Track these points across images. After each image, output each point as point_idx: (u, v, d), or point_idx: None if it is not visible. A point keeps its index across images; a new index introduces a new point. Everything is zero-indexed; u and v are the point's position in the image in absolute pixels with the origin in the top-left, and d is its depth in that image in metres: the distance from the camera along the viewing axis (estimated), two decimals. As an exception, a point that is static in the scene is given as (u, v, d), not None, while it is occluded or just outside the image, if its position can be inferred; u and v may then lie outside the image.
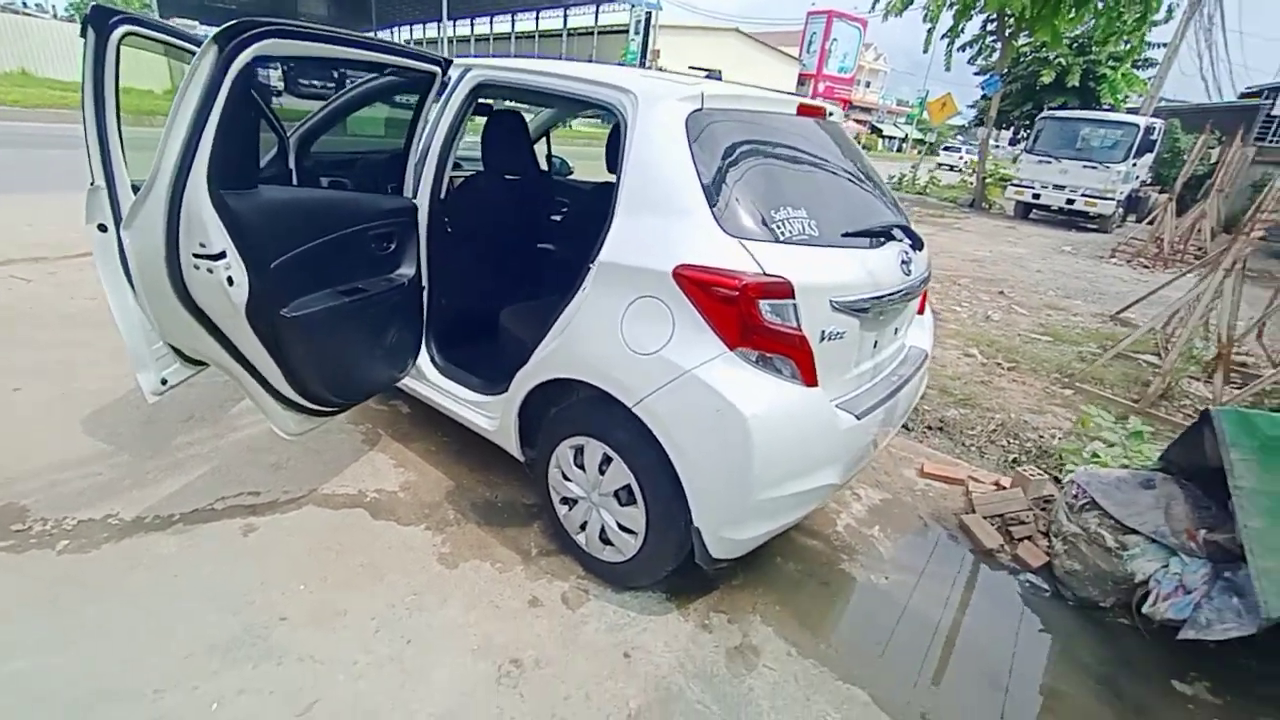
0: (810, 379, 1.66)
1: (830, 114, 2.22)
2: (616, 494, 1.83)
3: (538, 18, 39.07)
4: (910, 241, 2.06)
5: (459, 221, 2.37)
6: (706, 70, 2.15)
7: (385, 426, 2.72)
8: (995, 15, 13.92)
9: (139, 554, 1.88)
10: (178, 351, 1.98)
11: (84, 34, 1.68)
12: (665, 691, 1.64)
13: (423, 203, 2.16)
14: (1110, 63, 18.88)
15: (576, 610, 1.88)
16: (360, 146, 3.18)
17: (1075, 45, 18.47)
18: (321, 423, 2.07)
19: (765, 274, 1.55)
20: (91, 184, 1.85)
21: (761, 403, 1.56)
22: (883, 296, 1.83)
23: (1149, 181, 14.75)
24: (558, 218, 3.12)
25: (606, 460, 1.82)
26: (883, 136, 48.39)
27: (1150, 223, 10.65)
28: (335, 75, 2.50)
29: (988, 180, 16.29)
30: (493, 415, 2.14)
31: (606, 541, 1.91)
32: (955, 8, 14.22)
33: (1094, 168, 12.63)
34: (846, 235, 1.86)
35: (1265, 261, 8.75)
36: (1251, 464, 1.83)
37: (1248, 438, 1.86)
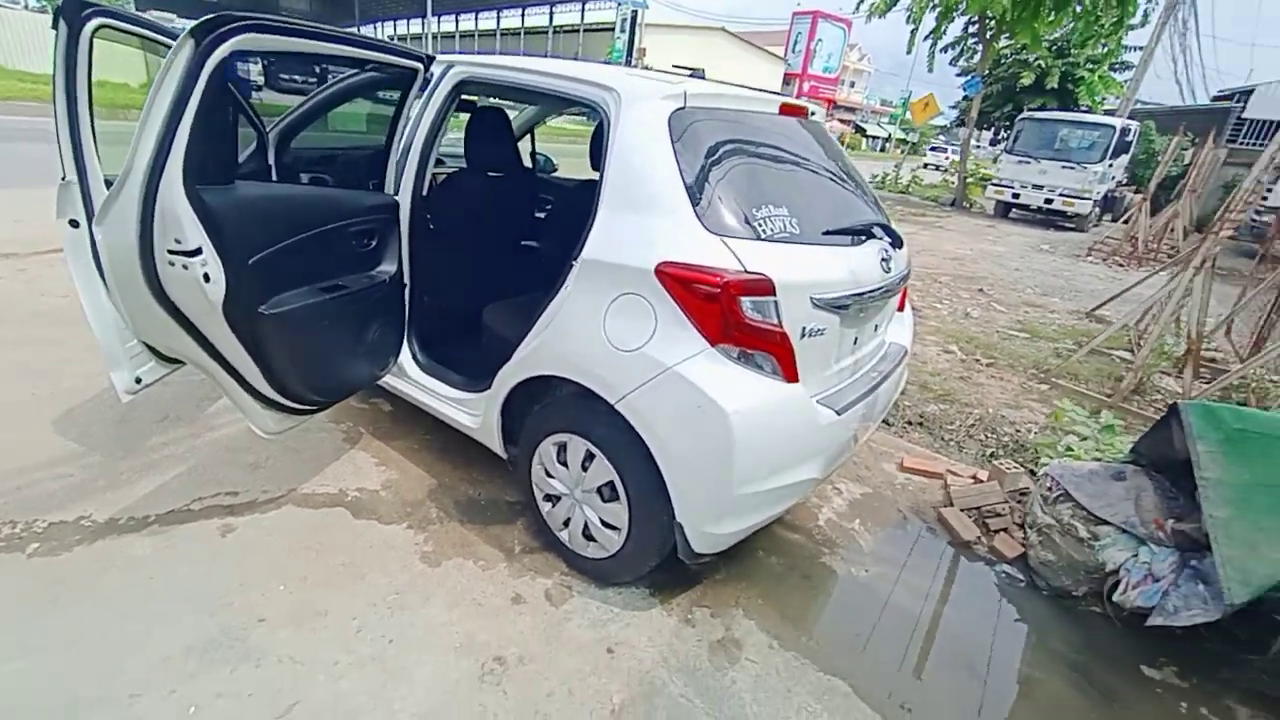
0: (791, 375, 1.67)
1: (812, 113, 2.24)
2: (599, 490, 1.83)
3: (523, 14, 38.88)
4: (890, 239, 2.09)
5: (441, 218, 2.36)
6: (690, 69, 2.16)
7: (367, 424, 2.70)
8: (977, 17, 14.11)
9: (113, 556, 1.84)
10: (153, 349, 1.95)
11: (55, 26, 1.65)
12: (648, 686, 1.66)
13: (405, 199, 2.15)
14: (1088, 65, 19.27)
15: (560, 607, 1.88)
16: (342, 142, 3.15)
17: (1054, 48, 18.81)
18: (301, 421, 2.05)
19: (747, 271, 1.56)
20: (63, 178, 1.81)
21: (743, 399, 1.57)
22: (863, 293, 1.86)
23: (1124, 182, 15.07)
24: (541, 215, 3.12)
25: (589, 457, 1.83)
26: (866, 136, 48.80)
27: (1125, 222, 10.87)
28: (316, 70, 2.47)
29: (969, 180, 16.53)
30: (475, 413, 2.14)
31: (590, 538, 1.92)
32: (938, 9, 14.41)
33: (1072, 168, 12.89)
34: (827, 233, 1.88)
35: (1234, 260, 8.97)
36: (1217, 455, 1.88)
37: (1213, 430, 1.91)
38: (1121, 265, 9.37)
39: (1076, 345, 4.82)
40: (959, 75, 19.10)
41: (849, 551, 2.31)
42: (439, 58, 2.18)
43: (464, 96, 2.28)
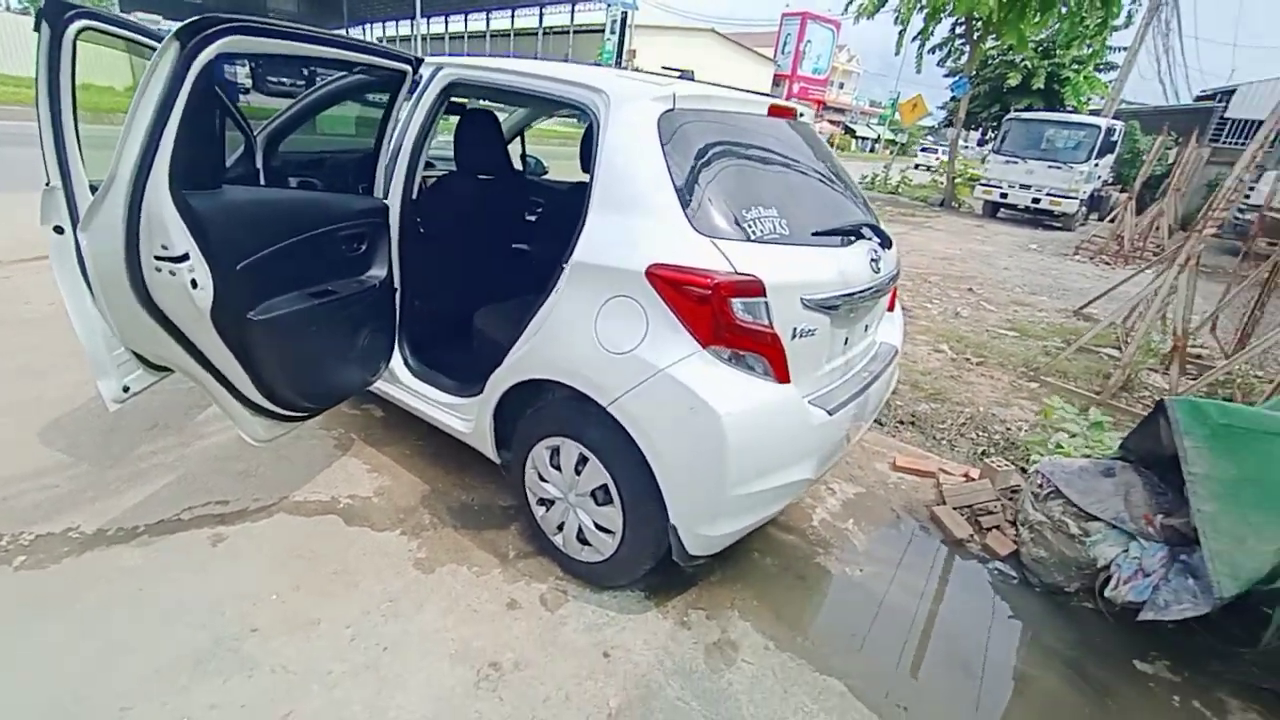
0: (783, 376, 1.68)
1: (801, 115, 2.25)
2: (593, 494, 1.83)
3: (513, 16, 38.83)
4: (879, 240, 2.10)
5: (432, 222, 2.35)
6: (679, 70, 2.17)
7: (358, 431, 2.68)
8: (964, 19, 14.25)
9: (102, 568, 1.82)
10: (140, 357, 1.93)
11: (38, 28, 1.63)
12: (645, 689, 1.65)
13: (394, 203, 2.14)
14: (1073, 66, 19.50)
15: (555, 611, 1.87)
16: (330, 146, 3.13)
17: (1040, 49, 19.03)
18: (291, 428, 2.04)
19: (737, 272, 1.56)
20: (47, 184, 1.79)
21: (735, 400, 1.57)
22: (853, 294, 1.87)
23: (1110, 181, 15.25)
24: (532, 218, 3.11)
25: (582, 460, 1.82)
26: (856, 137, 49.10)
27: (1111, 221, 11.00)
28: (304, 73, 2.46)
29: (957, 180, 16.67)
30: (468, 417, 2.13)
31: (584, 542, 1.91)
32: (925, 11, 14.53)
33: (1058, 168, 13.03)
34: (817, 234, 1.89)
35: (1218, 257, 9.09)
36: (1203, 450, 1.90)
37: (1199, 426, 1.93)
38: (1108, 264, 9.47)
39: (1065, 343, 4.86)
40: (947, 76, 19.26)
41: (843, 551, 2.32)
42: (427, 60, 2.17)
43: (453, 99, 2.27)
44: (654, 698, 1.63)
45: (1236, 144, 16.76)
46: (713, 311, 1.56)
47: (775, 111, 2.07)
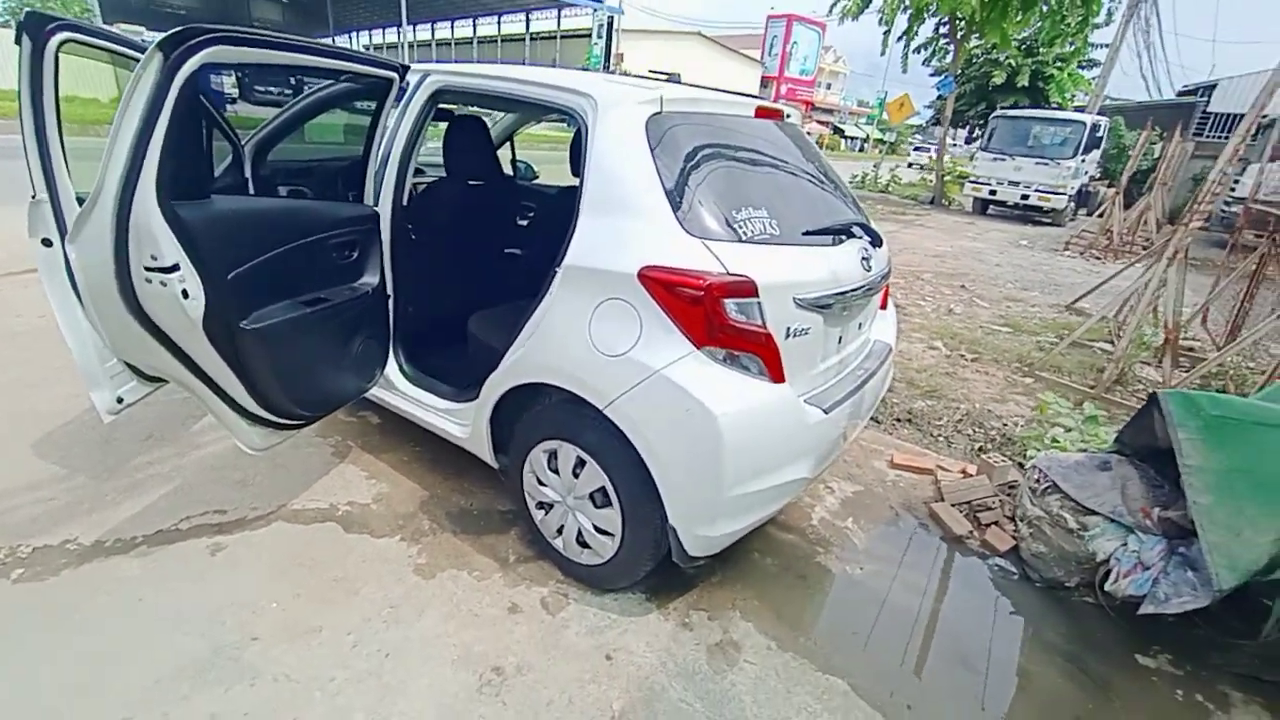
0: (777, 375, 1.68)
1: (788, 116, 2.26)
2: (592, 496, 1.83)
3: (499, 22, 38.87)
4: (869, 238, 2.11)
5: (423, 228, 2.35)
6: (666, 74, 2.17)
7: (355, 438, 2.67)
8: (947, 18, 14.36)
9: (100, 579, 1.81)
10: (134, 368, 1.92)
11: (19, 41, 1.62)
12: (648, 691, 1.65)
13: (385, 210, 2.13)
14: (1057, 63, 19.72)
15: (557, 615, 1.87)
16: (319, 154, 3.12)
17: (1024, 47, 19.23)
18: (288, 437, 2.02)
19: (729, 273, 1.57)
20: (33, 197, 1.77)
21: (731, 400, 1.58)
22: (845, 292, 1.87)
23: (1097, 176, 15.38)
24: (523, 222, 3.11)
25: (580, 463, 1.82)
26: (845, 137, 49.33)
27: (1100, 216, 11.09)
28: (291, 82, 2.45)
29: (946, 178, 16.77)
30: (464, 422, 2.12)
31: (584, 544, 1.91)
32: (909, 11, 14.65)
33: (1045, 164, 13.12)
34: (807, 234, 1.89)
35: (1207, 250, 9.18)
36: (1197, 442, 1.91)
37: (1193, 418, 1.94)
38: (1098, 258, 9.54)
39: (1058, 338, 4.90)
40: (933, 75, 19.42)
41: (843, 550, 2.32)
42: (414, 66, 2.17)
43: (441, 105, 2.27)
44: (657, 700, 1.63)
45: (1219, 138, 16.93)
46: (706, 312, 1.56)
47: (762, 113, 2.08)
